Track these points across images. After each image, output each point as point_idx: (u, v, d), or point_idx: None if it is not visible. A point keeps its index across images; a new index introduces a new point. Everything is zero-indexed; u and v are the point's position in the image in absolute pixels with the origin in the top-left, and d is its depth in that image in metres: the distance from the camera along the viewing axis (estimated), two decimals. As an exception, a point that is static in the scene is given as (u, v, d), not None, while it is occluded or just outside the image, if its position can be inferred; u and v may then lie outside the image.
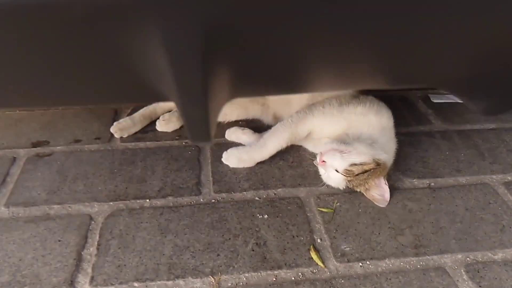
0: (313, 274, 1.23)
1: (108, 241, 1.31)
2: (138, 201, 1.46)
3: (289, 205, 1.45)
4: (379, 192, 1.42)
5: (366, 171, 1.38)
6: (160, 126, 1.80)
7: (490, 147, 1.73)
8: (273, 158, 1.65)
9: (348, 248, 1.30)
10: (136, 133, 1.78)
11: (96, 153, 1.68)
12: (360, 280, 1.21)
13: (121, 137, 1.76)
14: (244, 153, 1.59)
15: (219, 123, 1.85)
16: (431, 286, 1.20)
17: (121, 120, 1.77)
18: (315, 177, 1.57)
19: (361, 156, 1.38)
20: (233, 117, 1.85)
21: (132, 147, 1.71)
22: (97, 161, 1.63)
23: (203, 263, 1.25)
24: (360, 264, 1.26)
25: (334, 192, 1.51)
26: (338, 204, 1.46)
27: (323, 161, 1.41)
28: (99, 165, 1.61)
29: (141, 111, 1.82)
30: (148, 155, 1.67)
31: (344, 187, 1.44)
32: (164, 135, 1.78)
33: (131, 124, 1.77)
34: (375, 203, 1.41)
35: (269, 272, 1.23)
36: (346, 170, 1.38)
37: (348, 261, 1.27)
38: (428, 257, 1.28)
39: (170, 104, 1.82)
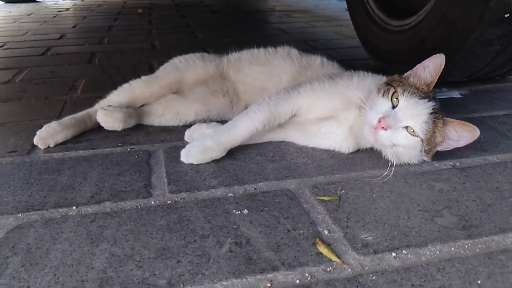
0: (327, 274, 0.79)
1: (6, 259, 0.84)
2: (59, 209, 1.01)
3: (276, 198, 1.04)
4: (452, 135, 1.11)
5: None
6: (100, 117, 1.36)
7: (511, 128, 1.42)
8: (247, 153, 1.27)
9: (370, 237, 0.89)
10: (66, 142, 1.35)
11: (8, 165, 1.23)
12: (400, 274, 0.79)
13: (48, 147, 1.32)
14: (209, 139, 1.19)
15: (169, 128, 1.47)
16: (506, 271, 0.79)
17: (44, 126, 1.34)
18: (306, 168, 1.18)
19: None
20: (189, 117, 1.46)
21: (59, 157, 1.27)
22: (8, 173, 1.18)
23: (155, 274, 0.80)
24: (394, 254, 0.84)
25: (333, 180, 1.12)
26: (343, 191, 1.06)
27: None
28: (9, 176, 1.16)
29: (74, 115, 1.41)
30: (80, 163, 1.24)
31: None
32: (103, 142, 1.36)
33: (57, 129, 1.34)
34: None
35: (259, 276, 0.79)
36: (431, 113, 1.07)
37: (375, 252, 0.84)
38: (486, 238, 0.88)
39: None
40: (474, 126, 1.06)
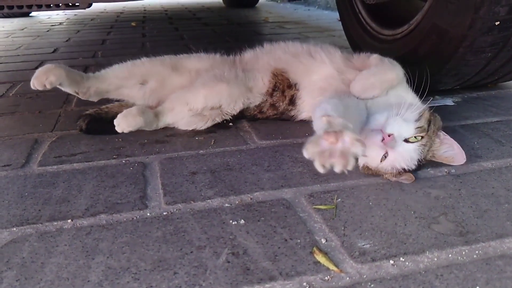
0: (325, 283, 0.79)
1: (1, 274, 0.83)
2: (54, 223, 1.00)
3: (272, 208, 1.04)
4: (446, 147, 1.15)
5: (429, 122, 1.12)
6: (119, 124, 1.36)
7: (505, 135, 1.42)
8: (243, 163, 1.26)
9: (368, 245, 0.89)
10: (60, 156, 1.34)
11: (2, 179, 1.22)
12: (398, 282, 0.79)
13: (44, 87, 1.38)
14: None
15: (164, 139, 1.46)
16: (504, 276, 0.79)
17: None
18: (302, 178, 1.18)
19: (413, 107, 1.12)
20: (199, 103, 1.44)
21: (53, 170, 1.26)
22: (2, 187, 1.18)
23: (151, 286, 0.79)
24: (392, 261, 0.83)
25: (330, 189, 1.12)
26: (340, 200, 1.06)
27: (390, 134, 1.07)
28: (3, 190, 1.16)
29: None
30: (75, 175, 1.23)
31: (416, 163, 1.11)
32: (97, 155, 1.35)
33: (50, 67, 1.40)
34: (452, 163, 1.17)
35: (257, 286, 0.79)
36: (418, 128, 1.08)
37: (373, 260, 0.84)
38: (484, 243, 0.88)
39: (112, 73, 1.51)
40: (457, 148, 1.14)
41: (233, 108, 1.47)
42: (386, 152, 1.08)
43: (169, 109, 1.46)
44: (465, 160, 1.13)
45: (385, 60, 1.31)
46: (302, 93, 1.44)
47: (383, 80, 1.24)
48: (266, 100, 1.49)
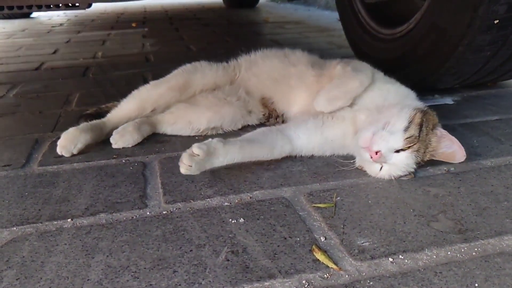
0: (324, 280, 0.79)
1: (1, 273, 0.83)
2: (54, 222, 1.01)
3: (272, 206, 1.04)
4: (445, 144, 1.13)
5: (421, 126, 1.09)
6: (115, 141, 1.38)
7: (504, 133, 1.42)
8: (242, 163, 1.25)
9: (367, 243, 0.89)
10: (60, 156, 1.35)
11: (2, 179, 1.23)
12: (397, 279, 0.79)
13: (72, 155, 1.35)
14: None
15: (164, 139, 1.47)
16: (503, 273, 0.79)
17: (62, 134, 1.35)
18: (301, 176, 1.18)
19: (402, 113, 1.11)
20: (202, 125, 1.46)
21: (53, 170, 1.27)
22: (2, 186, 1.18)
23: (151, 284, 0.79)
24: (391, 259, 0.84)
25: (329, 188, 1.12)
26: (339, 198, 1.06)
27: (377, 152, 1.06)
28: (3, 190, 1.16)
29: (87, 122, 1.41)
30: (75, 175, 1.24)
31: (415, 167, 1.12)
32: (97, 155, 1.36)
33: (76, 134, 1.34)
34: (452, 161, 1.15)
35: (256, 284, 0.79)
36: (407, 139, 1.07)
37: (372, 257, 0.84)
38: (482, 241, 0.88)
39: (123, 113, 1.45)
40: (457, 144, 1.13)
41: (232, 128, 1.51)
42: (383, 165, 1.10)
43: (170, 123, 1.47)
44: (465, 157, 1.13)
45: (348, 68, 1.28)
46: (289, 121, 1.43)
47: (345, 91, 1.23)
48: (265, 122, 1.53)
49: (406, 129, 1.08)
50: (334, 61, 1.39)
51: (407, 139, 1.07)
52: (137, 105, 1.45)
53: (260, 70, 1.51)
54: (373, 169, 1.13)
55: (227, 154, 1.12)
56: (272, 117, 1.49)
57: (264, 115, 1.52)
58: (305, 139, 1.25)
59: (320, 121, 1.25)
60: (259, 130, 1.27)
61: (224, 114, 1.47)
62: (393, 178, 1.11)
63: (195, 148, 1.07)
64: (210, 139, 1.12)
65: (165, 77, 1.53)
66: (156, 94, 1.46)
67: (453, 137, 1.11)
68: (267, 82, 1.48)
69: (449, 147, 1.12)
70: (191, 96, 1.50)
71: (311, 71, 1.40)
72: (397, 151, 1.08)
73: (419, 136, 1.08)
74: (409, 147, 1.08)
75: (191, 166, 1.06)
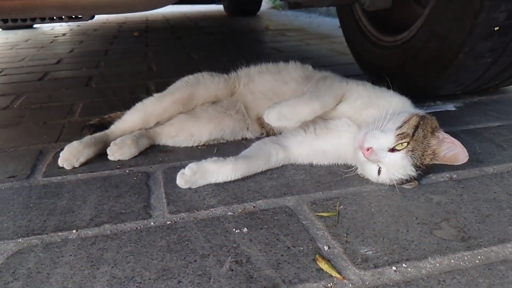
0: (328, 289, 0.79)
1: (7, 285, 0.84)
2: (59, 233, 1.02)
3: (275, 215, 1.05)
4: (447, 147, 1.10)
5: (416, 127, 1.09)
6: (112, 153, 1.39)
7: (506, 139, 1.43)
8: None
9: (370, 252, 0.89)
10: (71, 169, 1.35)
11: (7, 190, 1.24)
12: None
13: (73, 167, 1.35)
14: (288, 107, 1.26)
15: (167, 148, 1.48)
16: (507, 281, 0.79)
17: (66, 147, 1.36)
18: (304, 185, 1.18)
19: (398, 116, 1.11)
20: (203, 137, 1.48)
21: (57, 181, 1.28)
22: (8, 198, 1.19)
23: (156, 295, 0.79)
24: (394, 268, 0.84)
25: (332, 196, 1.12)
26: (342, 206, 1.07)
27: (368, 149, 1.07)
28: (9, 201, 1.17)
29: (91, 135, 1.42)
30: (79, 186, 1.24)
31: (413, 170, 1.09)
32: (101, 165, 1.37)
33: (79, 148, 1.35)
34: (456, 163, 1.12)
35: (260, 294, 0.79)
36: (399, 135, 1.07)
37: (376, 266, 0.85)
38: (486, 248, 0.89)
39: (127, 126, 1.46)
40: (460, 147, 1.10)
41: (232, 139, 1.52)
42: (380, 167, 1.10)
43: (172, 136, 1.48)
44: (468, 158, 1.10)
45: (319, 86, 1.29)
46: (284, 132, 1.43)
47: (295, 114, 1.23)
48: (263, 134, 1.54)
49: (399, 128, 1.09)
50: (318, 75, 1.40)
51: (398, 135, 1.08)
52: (141, 119, 1.46)
53: (256, 87, 1.52)
54: (372, 173, 1.12)
55: (219, 175, 1.19)
56: (270, 134, 1.49)
57: (262, 134, 1.53)
58: (296, 150, 1.28)
59: (313, 133, 1.26)
60: (254, 144, 1.30)
61: (224, 127, 1.48)
62: (394, 182, 1.10)
63: (187, 169, 1.17)
64: (203, 160, 1.19)
65: (168, 89, 1.53)
66: (160, 107, 1.47)
67: (454, 139, 1.10)
68: (261, 101, 1.48)
69: (451, 149, 1.10)
70: (192, 108, 1.51)
71: (301, 87, 1.40)
72: (392, 151, 1.08)
73: (412, 135, 1.08)
74: (404, 147, 1.07)
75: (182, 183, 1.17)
